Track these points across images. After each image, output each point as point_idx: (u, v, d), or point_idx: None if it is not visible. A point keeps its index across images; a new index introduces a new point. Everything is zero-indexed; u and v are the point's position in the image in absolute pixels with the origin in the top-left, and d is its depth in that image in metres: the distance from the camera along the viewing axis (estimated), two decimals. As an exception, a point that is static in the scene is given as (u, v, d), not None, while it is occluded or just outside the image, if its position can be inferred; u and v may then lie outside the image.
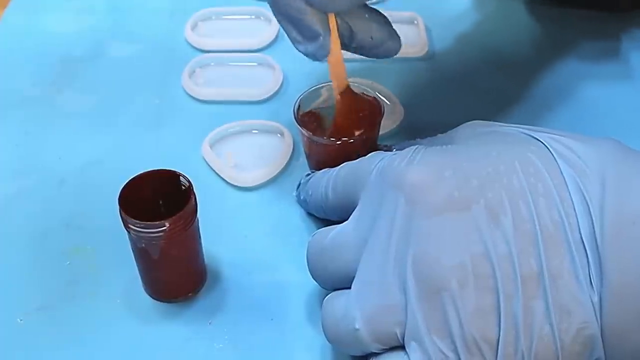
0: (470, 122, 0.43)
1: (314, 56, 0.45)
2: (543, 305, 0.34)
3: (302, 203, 0.48)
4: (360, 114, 0.48)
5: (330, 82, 0.48)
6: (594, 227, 0.34)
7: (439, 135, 0.45)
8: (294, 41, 0.45)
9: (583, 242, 0.34)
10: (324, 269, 0.41)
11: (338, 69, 0.47)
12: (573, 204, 0.35)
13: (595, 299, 0.34)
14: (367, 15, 0.47)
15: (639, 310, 0.33)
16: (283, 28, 0.45)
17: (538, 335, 0.34)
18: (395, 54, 0.48)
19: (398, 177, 0.38)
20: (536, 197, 0.35)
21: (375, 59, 0.48)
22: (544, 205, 0.35)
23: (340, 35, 0.46)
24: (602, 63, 0.60)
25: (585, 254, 0.34)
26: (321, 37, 0.44)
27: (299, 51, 0.45)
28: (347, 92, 0.48)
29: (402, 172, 0.38)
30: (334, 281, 0.40)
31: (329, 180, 0.44)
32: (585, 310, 0.34)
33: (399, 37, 0.48)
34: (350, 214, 0.40)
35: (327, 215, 0.45)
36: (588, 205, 0.34)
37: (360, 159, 0.43)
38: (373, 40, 0.47)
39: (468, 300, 0.34)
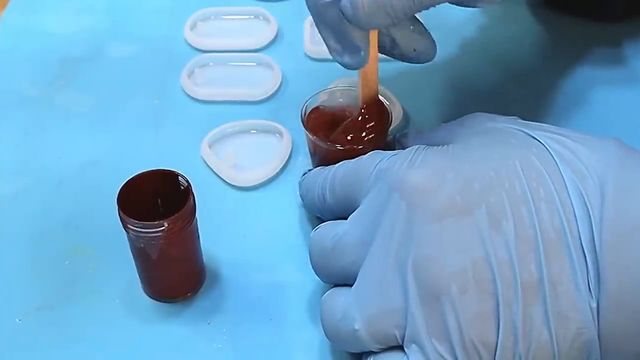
0: (474, 114, 0.43)
1: (349, 67, 0.44)
2: (542, 312, 0.34)
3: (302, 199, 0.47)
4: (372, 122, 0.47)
5: (335, 85, 0.47)
6: (593, 234, 0.34)
7: (443, 124, 0.44)
8: (331, 50, 0.44)
9: (583, 248, 0.34)
10: (327, 268, 0.40)
11: (371, 81, 0.46)
12: (574, 209, 0.34)
13: (594, 305, 0.34)
14: (411, 27, 0.46)
15: (636, 317, 0.33)
16: (321, 36, 0.43)
17: (536, 340, 0.34)
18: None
19: (399, 180, 0.38)
20: (538, 202, 0.35)
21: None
22: (545, 211, 0.35)
23: (381, 46, 0.45)
24: (606, 67, 0.60)
25: (584, 260, 0.34)
26: (362, 52, 0.43)
27: (334, 59, 0.44)
28: (374, 104, 0.47)
29: (403, 175, 0.38)
30: (337, 278, 0.40)
31: (326, 181, 0.43)
32: (583, 316, 0.34)
33: (435, 43, 0.47)
34: (349, 214, 0.40)
35: (323, 215, 0.45)
36: (589, 211, 0.34)
37: (358, 158, 0.42)
38: (416, 52, 0.47)
39: (468, 305, 0.34)
